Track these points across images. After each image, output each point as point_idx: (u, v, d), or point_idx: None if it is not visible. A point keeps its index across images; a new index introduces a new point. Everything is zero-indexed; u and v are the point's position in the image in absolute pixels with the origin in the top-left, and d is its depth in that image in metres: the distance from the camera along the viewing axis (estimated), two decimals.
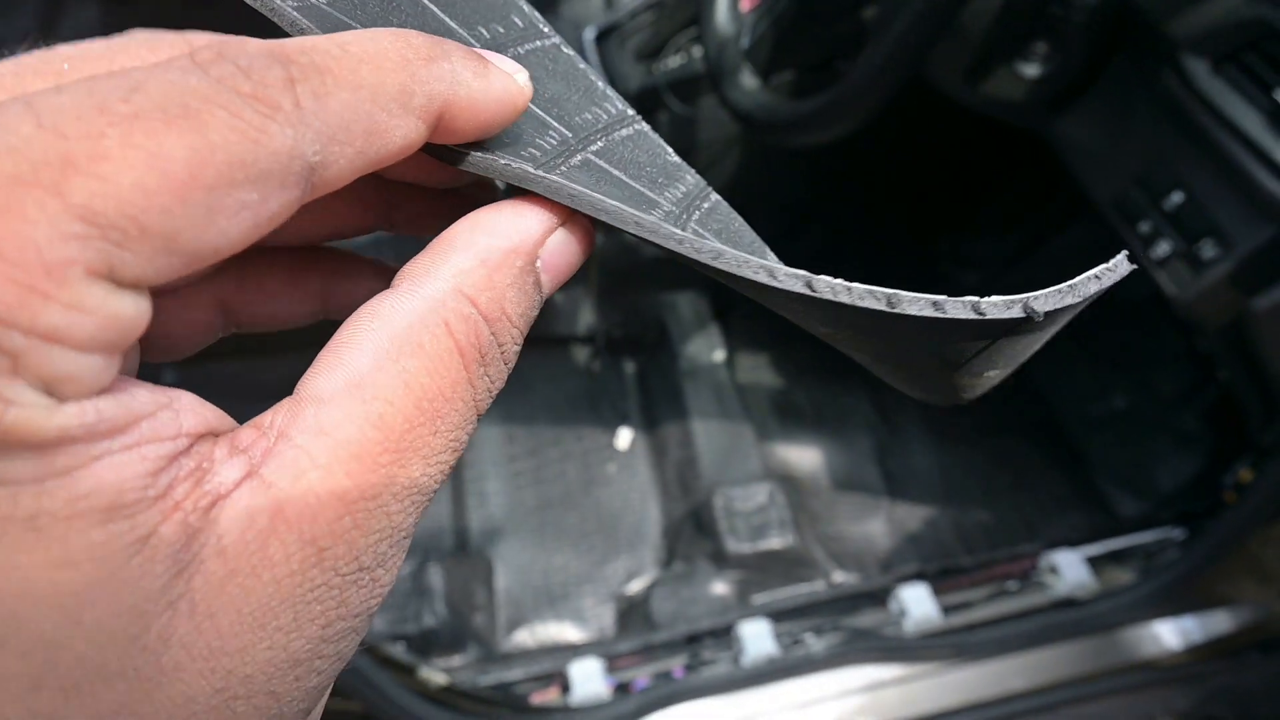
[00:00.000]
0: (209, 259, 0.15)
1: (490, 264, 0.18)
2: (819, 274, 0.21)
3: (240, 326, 0.24)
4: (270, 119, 0.15)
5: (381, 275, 0.25)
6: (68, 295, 0.13)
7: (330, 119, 0.16)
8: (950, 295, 0.20)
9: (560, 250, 0.20)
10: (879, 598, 1.15)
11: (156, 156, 0.13)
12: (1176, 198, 0.75)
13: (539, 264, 0.19)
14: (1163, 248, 0.76)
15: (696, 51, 1.18)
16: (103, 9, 1.39)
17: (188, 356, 0.23)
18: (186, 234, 0.14)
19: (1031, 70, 0.81)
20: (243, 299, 0.24)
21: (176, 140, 0.13)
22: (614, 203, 0.20)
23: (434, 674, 0.89)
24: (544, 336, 1.38)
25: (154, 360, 0.21)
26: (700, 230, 0.24)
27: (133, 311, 0.14)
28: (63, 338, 0.13)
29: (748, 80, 0.87)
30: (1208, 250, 0.73)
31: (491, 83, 0.19)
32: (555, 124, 0.23)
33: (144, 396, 0.15)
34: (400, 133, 0.17)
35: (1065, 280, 0.19)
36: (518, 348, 0.19)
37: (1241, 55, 0.70)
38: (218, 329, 0.23)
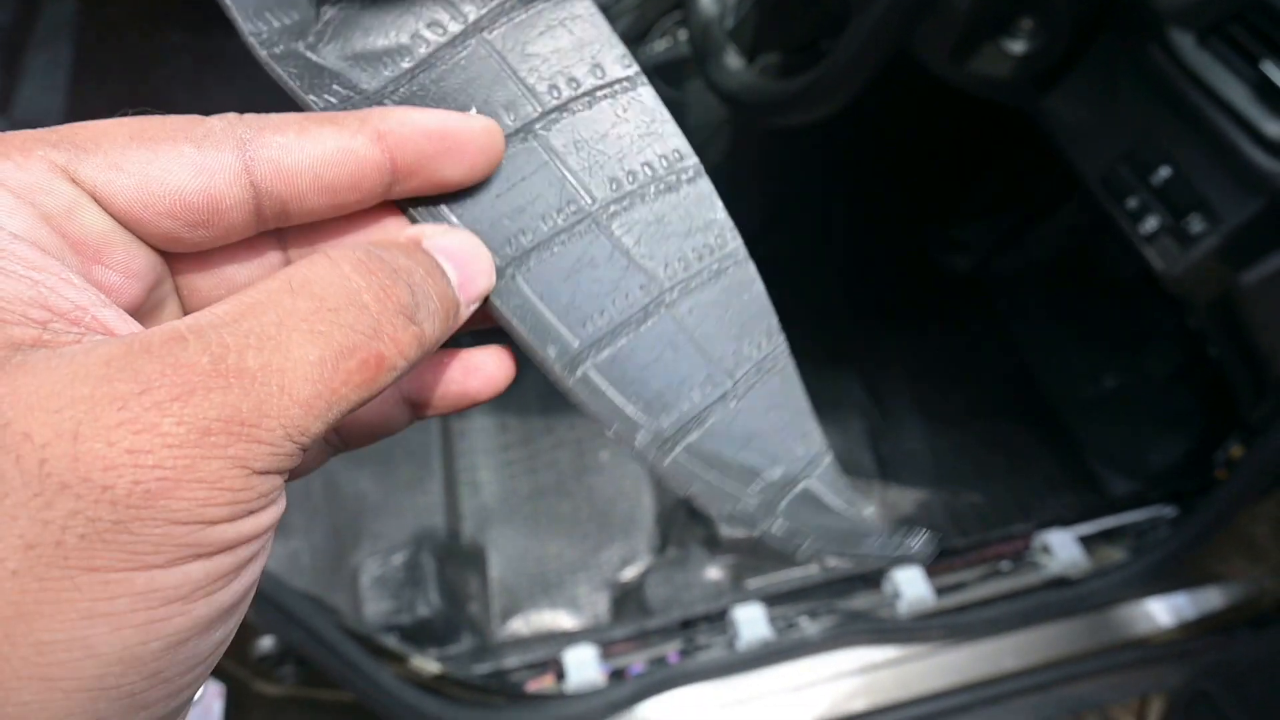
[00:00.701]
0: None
1: None
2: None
3: (348, 446, 0.26)
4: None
5: (466, 364, 0.27)
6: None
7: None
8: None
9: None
10: (873, 580, 1.15)
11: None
12: (1164, 173, 0.75)
13: None
14: (1150, 223, 0.76)
15: (682, 35, 1.17)
16: (80, 5, 1.37)
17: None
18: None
19: (1017, 47, 0.80)
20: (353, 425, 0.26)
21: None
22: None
23: (427, 663, 0.89)
24: None
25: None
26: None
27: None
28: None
29: (733, 61, 0.87)
30: (1195, 225, 0.73)
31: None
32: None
33: None
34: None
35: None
36: None
37: (1227, 27, 0.70)
38: (331, 452, 0.26)
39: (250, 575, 0.18)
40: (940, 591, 1.09)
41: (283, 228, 0.22)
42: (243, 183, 0.19)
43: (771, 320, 0.27)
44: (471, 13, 0.25)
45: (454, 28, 0.25)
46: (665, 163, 0.27)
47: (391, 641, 0.92)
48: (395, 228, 0.24)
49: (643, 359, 0.25)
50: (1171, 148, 0.75)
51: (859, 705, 1.05)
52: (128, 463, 0.15)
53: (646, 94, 0.26)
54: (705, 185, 0.27)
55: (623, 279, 0.26)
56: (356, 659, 0.78)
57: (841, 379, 1.37)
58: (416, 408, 0.26)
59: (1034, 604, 1.08)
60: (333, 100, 0.23)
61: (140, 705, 0.16)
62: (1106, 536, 1.14)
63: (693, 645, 1.07)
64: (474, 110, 0.24)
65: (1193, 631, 1.09)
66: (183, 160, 0.19)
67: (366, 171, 0.21)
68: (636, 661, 1.06)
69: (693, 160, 0.27)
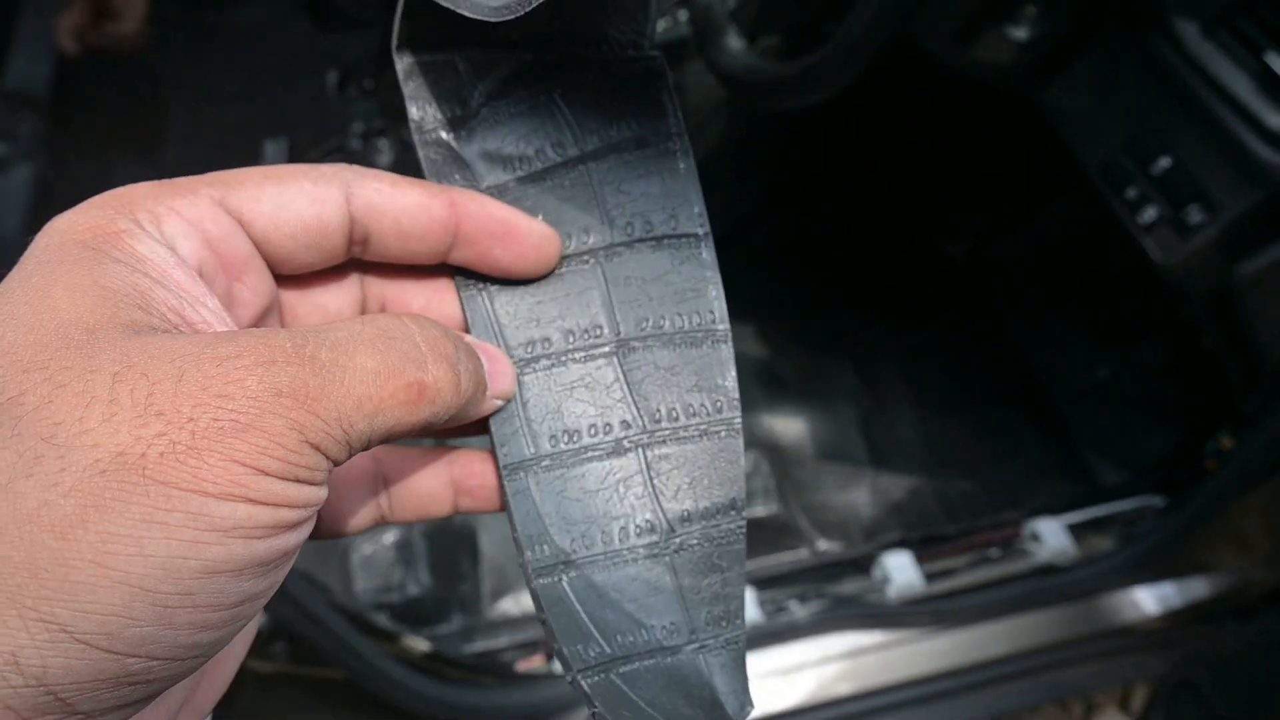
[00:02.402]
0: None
1: None
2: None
3: (395, 517, 0.30)
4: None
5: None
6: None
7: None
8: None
9: None
10: (862, 565, 1.16)
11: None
12: (1164, 163, 0.74)
13: None
14: (1149, 213, 0.76)
15: (683, 15, 1.16)
16: None
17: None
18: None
19: (1020, 34, 0.80)
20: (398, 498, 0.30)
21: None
22: None
23: (418, 642, 0.89)
24: None
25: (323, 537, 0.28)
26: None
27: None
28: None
29: (733, 42, 0.86)
30: (1194, 215, 0.73)
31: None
32: None
33: None
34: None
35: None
36: None
37: (1232, 18, 0.69)
38: (377, 516, 0.30)
39: (282, 545, 0.20)
40: (929, 577, 1.09)
41: (364, 276, 0.28)
42: (344, 213, 0.25)
43: (740, 493, 0.28)
44: (592, 144, 0.29)
45: (572, 152, 0.29)
46: (698, 318, 0.28)
47: (382, 620, 0.92)
48: (449, 298, 0.29)
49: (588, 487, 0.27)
50: (1172, 138, 0.75)
51: (846, 689, 1.06)
52: (214, 404, 0.18)
53: (707, 254, 0.28)
54: (727, 352, 0.28)
55: (611, 409, 0.28)
56: (347, 636, 0.78)
57: (834, 364, 1.37)
58: (460, 494, 0.30)
59: (1022, 591, 1.09)
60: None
61: (166, 620, 0.18)
62: (1095, 525, 1.14)
63: None
64: (540, 218, 0.28)
65: (1179, 620, 1.10)
66: (303, 192, 0.25)
67: (434, 228, 0.26)
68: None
69: (724, 326, 0.28)
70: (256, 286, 0.25)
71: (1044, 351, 1.37)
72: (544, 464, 0.27)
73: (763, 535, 1.18)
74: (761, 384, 1.34)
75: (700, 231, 0.28)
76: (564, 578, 0.27)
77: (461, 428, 0.28)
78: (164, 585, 0.17)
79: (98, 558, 0.17)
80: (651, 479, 0.27)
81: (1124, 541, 1.09)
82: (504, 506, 0.28)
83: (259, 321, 0.26)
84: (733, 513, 0.27)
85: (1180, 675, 0.92)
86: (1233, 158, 0.70)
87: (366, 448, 0.22)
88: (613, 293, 0.28)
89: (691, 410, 0.28)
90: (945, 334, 1.41)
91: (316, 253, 0.25)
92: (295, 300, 0.27)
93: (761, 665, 1.05)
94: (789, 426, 1.30)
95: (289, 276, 0.27)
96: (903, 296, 1.45)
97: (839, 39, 0.74)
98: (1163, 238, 0.75)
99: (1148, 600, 1.10)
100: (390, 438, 0.22)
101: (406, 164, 1.26)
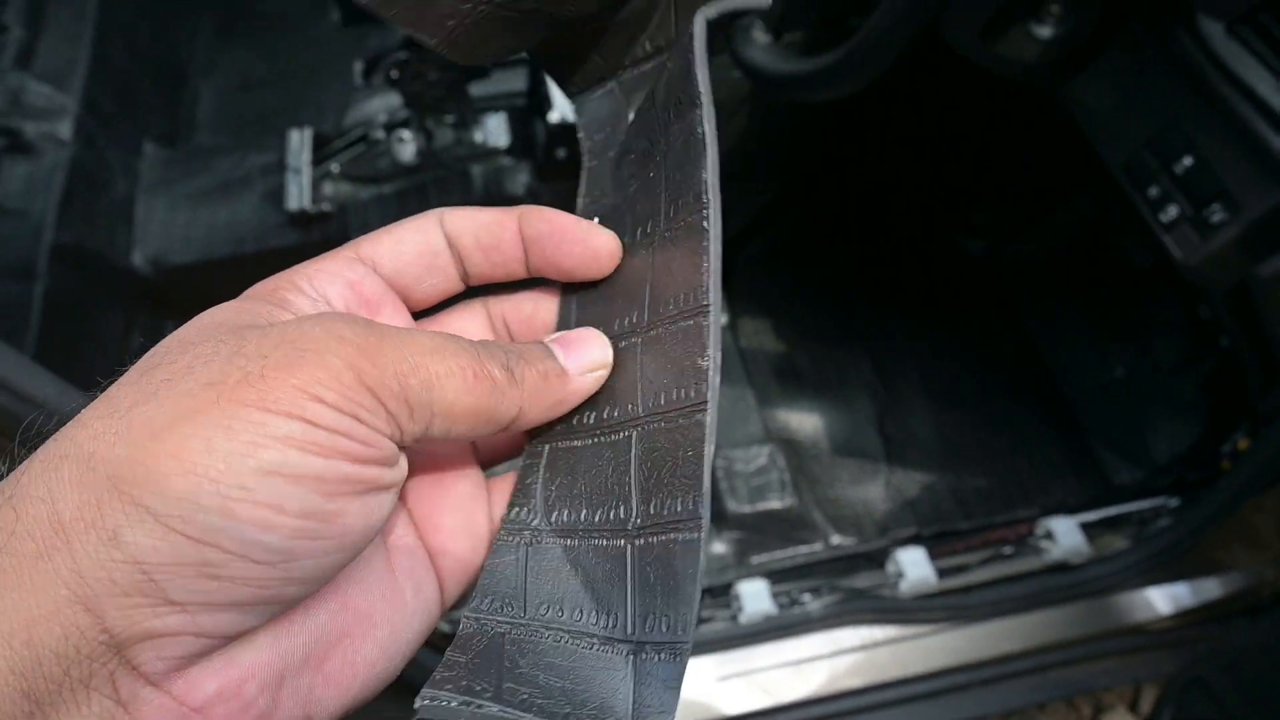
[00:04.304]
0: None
1: None
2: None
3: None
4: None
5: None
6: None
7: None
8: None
9: None
10: (876, 559, 1.16)
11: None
12: (1187, 161, 0.75)
13: None
14: (1171, 211, 0.76)
15: None
16: None
17: None
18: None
19: (1045, 31, 0.80)
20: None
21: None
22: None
23: (440, 624, 0.90)
24: None
25: None
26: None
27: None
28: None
29: (759, 36, 0.87)
30: (1216, 214, 0.73)
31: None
32: None
33: None
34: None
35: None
36: None
37: (1258, 17, 0.70)
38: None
39: (344, 471, 0.22)
40: (942, 573, 1.10)
41: (488, 306, 0.34)
42: (443, 237, 0.31)
43: (705, 508, 0.25)
44: (664, 145, 0.30)
45: (656, 155, 0.30)
46: (689, 382, 0.27)
47: None
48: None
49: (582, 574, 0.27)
50: (1195, 136, 0.75)
51: (857, 682, 1.07)
52: (286, 346, 0.22)
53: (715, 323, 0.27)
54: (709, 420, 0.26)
55: (614, 493, 0.27)
56: None
57: (851, 359, 1.37)
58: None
59: (1034, 588, 1.09)
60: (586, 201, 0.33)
61: (229, 511, 0.21)
62: (1109, 524, 1.15)
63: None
64: (597, 220, 0.32)
65: (1190, 619, 1.10)
66: (409, 229, 0.31)
67: (507, 238, 0.31)
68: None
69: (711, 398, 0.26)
70: (394, 316, 0.31)
71: (1060, 349, 1.37)
72: (559, 440, 0.30)
73: (777, 528, 1.19)
74: (778, 378, 1.35)
75: (706, 197, 0.27)
76: (530, 542, 0.28)
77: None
78: (226, 477, 0.20)
79: (176, 452, 0.20)
80: (631, 459, 0.27)
81: (1137, 541, 1.09)
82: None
83: None
84: (694, 498, 0.25)
85: (1192, 674, 0.92)
86: (1255, 157, 0.70)
87: (435, 430, 0.25)
88: (656, 279, 0.29)
89: (675, 390, 0.27)
90: (961, 330, 1.41)
91: (434, 275, 0.31)
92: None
93: (774, 657, 1.05)
94: (805, 420, 1.31)
95: (424, 312, 0.33)
96: (920, 292, 1.45)
97: (864, 34, 0.75)
98: (1184, 236, 0.76)
99: (1160, 599, 1.10)
100: (459, 422, 0.25)
101: (429, 153, 1.28)
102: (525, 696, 0.24)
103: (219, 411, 0.21)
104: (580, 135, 0.33)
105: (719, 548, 1.18)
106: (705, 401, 0.25)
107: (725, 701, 1.03)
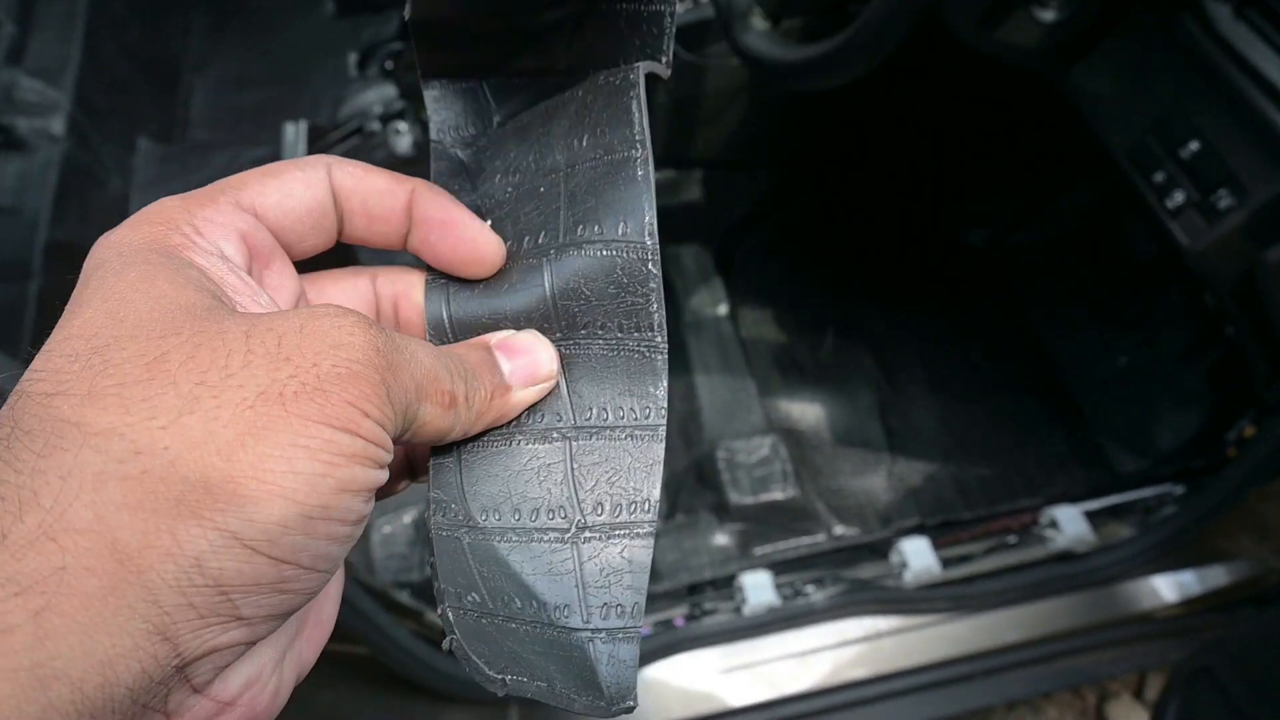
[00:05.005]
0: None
1: None
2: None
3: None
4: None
5: None
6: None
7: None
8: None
9: None
10: (879, 550, 1.16)
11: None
12: (1193, 146, 0.74)
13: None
14: (1177, 198, 0.75)
15: None
16: None
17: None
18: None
19: (1048, 15, 0.79)
20: None
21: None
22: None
23: (439, 619, 0.90)
24: None
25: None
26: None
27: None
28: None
29: (758, 24, 0.86)
30: (1223, 200, 0.72)
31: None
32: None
33: None
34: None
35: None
36: None
37: None
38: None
39: (380, 478, 0.23)
40: (946, 563, 1.10)
41: (375, 279, 0.32)
42: (330, 193, 0.28)
43: (655, 497, 0.28)
44: (564, 155, 0.30)
45: (548, 163, 0.30)
46: (638, 335, 0.29)
47: (404, 598, 0.93)
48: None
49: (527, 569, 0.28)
50: (1201, 121, 0.74)
51: (862, 672, 1.06)
52: (332, 352, 0.22)
53: (653, 266, 0.28)
54: (661, 363, 0.28)
55: (545, 398, 0.29)
56: (372, 613, 0.79)
57: (852, 348, 1.36)
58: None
59: (1039, 577, 1.09)
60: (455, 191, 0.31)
61: (310, 529, 0.21)
62: (1114, 512, 1.14)
63: (700, 609, 1.08)
64: (489, 224, 0.31)
65: (1196, 608, 1.10)
66: (297, 180, 0.28)
67: (396, 212, 0.30)
68: (643, 624, 1.07)
69: (663, 339, 0.28)
70: (283, 272, 0.29)
71: (1062, 339, 1.36)
72: (468, 443, 0.29)
73: (780, 519, 1.18)
74: (780, 369, 1.34)
75: (647, 242, 0.28)
76: (465, 537, 0.28)
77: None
78: (310, 498, 0.21)
79: (258, 474, 0.20)
80: (573, 469, 0.28)
81: (1143, 529, 1.09)
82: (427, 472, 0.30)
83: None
84: (646, 514, 0.28)
85: (1198, 663, 0.91)
86: (1263, 142, 0.69)
87: (401, 436, 0.25)
88: (557, 289, 0.29)
89: (621, 412, 0.28)
90: (964, 321, 1.40)
91: (317, 234, 0.29)
92: (315, 299, 0.31)
93: (778, 648, 1.05)
94: (807, 411, 1.31)
95: (308, 278, 0.31)
96: (922, 284, 1.44)
97: (864, 21, 0.74)
98: (1190, 222, 0.75)
99: (1166, 588, 1.10)
100: (419, 435, 0.26)
101: (426, 145, 1.27)
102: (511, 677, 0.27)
103: (288, 428, 0.21)
104: (433, 127, 0.32)
105: (722, 539, 1.18)
106: (663, 426, 0.28)
107: (730, 693, 1.03)
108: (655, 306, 0.28)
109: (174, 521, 0.19)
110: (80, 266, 0.25)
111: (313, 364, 0.22)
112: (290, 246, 0.29)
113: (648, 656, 1.02)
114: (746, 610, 1.05)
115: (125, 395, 0.20)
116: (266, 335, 0.22)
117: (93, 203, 1.17)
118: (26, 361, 0.22)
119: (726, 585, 1.11)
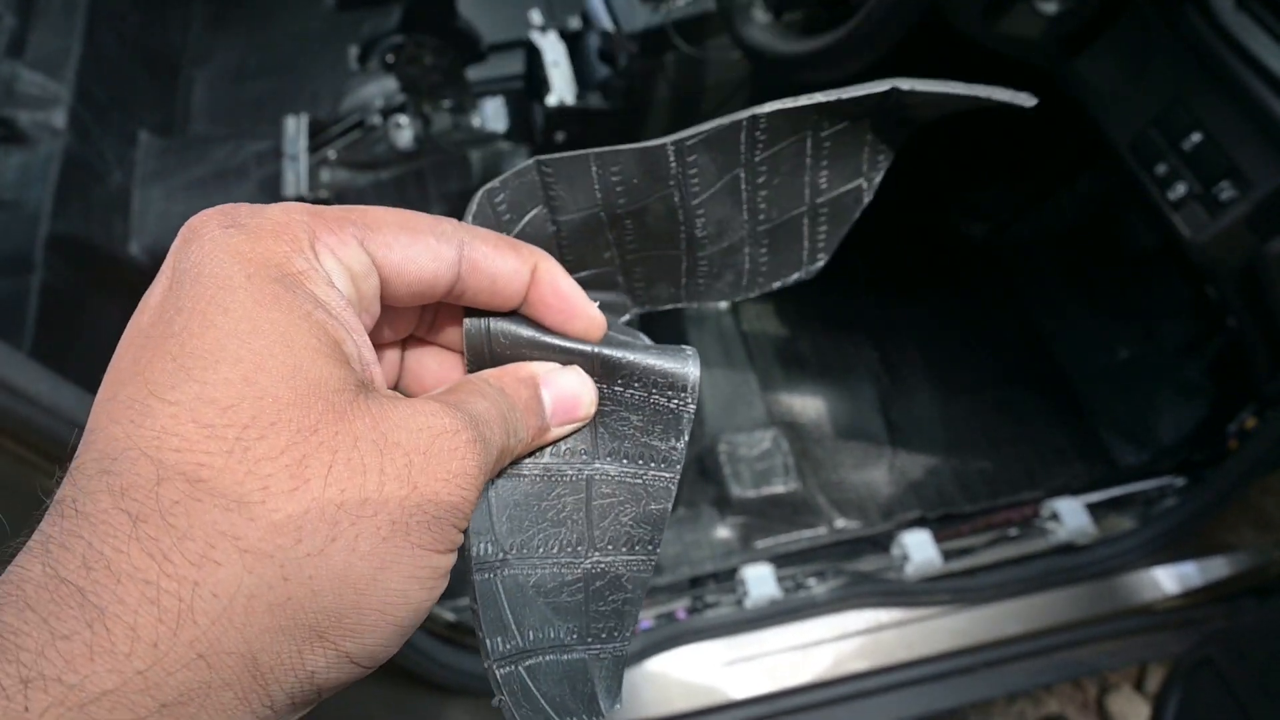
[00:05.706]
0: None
1: None
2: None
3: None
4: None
5: None
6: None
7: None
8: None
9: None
10: (881, 543, 1.16)
11: None
12: (1195, 138, 0.74)
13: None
14: (1180, 189, 0.75)
15: None
16: None
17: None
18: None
19: (1050, 7, 0.79)
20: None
21: None
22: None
23: (442, 612, 0.90)
24: None
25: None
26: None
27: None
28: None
29: (760, 16, 0.85)
30: (1225, 192, 0.72)
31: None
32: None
33: None
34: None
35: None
36: None
37: None
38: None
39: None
40: (948, 555, 1.10)
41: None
42: (455, 272, 0.27)
43: (659, 537, 0.31)
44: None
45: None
46: (659, 460, 0.31)
47: None
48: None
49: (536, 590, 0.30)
50: (1204, 113, 0.74)
51: (864, 665, 1.07)
52: (452, 482, 0.24)
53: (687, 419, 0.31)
54: (687, 420, 0.31)
55: (577, 435, 0.31)
56: None
57: (854, 343, 1.36)
58: None
59: (1040, 569, 1.09)
60: (501, 209, 0.31)
61: (401, 642, 0.23)
62: (1115, 505, 1.14)
63: (701, 602, 1.08)
64: (599, 303, 0.31)
65: (1198, 599, 1.10)
66: (428, 248, 0.27)
67: (518, 290, 0.29)
68: (645, 617, 1.07)
69: (691, 409, 0.31)
70: (380, 323, 0.29)
71: (1064, 332, 1.36)
72: (507, 469, 0.30)
73: (781, 512, 1.19)
74: (781, 362, 1.34)
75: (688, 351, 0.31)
76: (499, 575, 0.29)
77: None
78: (413, 621, 0.23)
79: (382, 608, 0.22)
80: (589, 502, 0.30)
81: (1144, 521, 1.09)
82: None
83: (381, 354, 0.31)
84: (650, 549, 0.30)
85: (1200, 654, 0.92)
86: (1266, 133, 0.69)
87: None
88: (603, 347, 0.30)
89: (642, 459, 0.31)
90: (964, 314, 1.40)
91: (420, 299, 0.28)
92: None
93: (779, 641, 1.05)
94: (808, 405, 1.31)
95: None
96: (922, 277, 1.44)
97: (865, 14, 0.74)
98: (1192, 214, 0.75)
99: (1167, 579, 1.10)
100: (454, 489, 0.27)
101: (426, 139, 1.26)
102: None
103: (410, 559, 0.23)
104: (556, 190, 0.31)
105: (723, 532, 1.18)
106: (677, 478, 0.30)
107: (732, 686, 1.03)
108: (691, 382, 0.30)
109: (306, 645, 0.22)
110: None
111: (433, 495, 0.23)
112: (386, 299, 0.28)
113: (650, 649, 1.02)
114: (748, 603, 1.05)
115: (271, 507, 0.21)
116: (397, 454, 0.23)
117: (94, 196, 1.17)
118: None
119: (728, 578, 1.12)
